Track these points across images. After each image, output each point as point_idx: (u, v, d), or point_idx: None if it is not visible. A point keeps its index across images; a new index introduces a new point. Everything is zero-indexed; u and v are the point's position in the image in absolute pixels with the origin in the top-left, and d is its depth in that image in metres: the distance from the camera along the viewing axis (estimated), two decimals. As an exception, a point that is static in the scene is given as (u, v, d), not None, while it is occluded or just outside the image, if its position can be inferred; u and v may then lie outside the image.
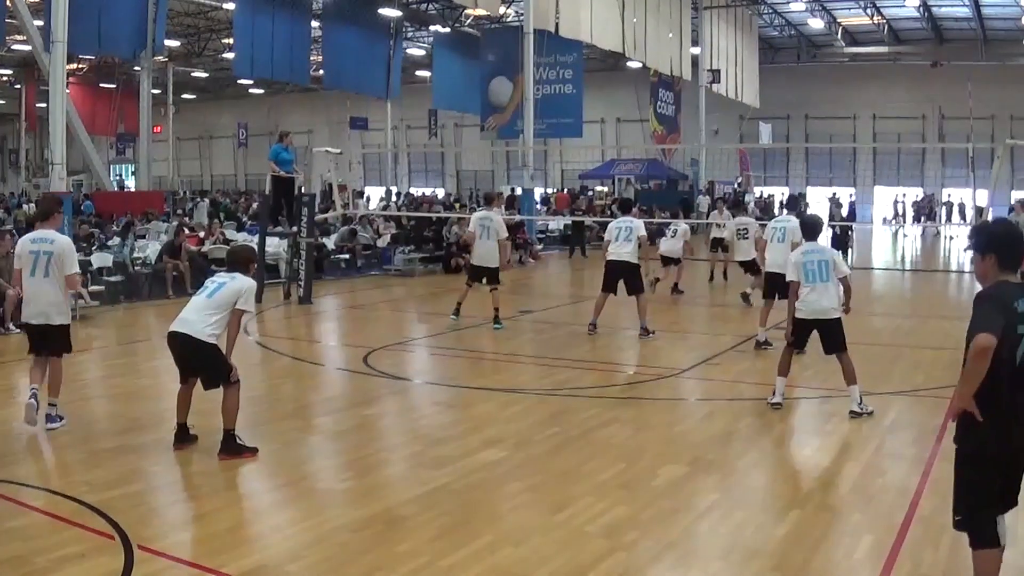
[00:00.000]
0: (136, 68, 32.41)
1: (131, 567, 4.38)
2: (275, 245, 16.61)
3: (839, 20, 37.89)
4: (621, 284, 11.29)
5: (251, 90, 49.45)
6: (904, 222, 36.17)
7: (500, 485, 5.77)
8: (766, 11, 37.92)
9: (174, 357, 6.52)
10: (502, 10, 33.50)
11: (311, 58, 33.15)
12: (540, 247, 24.88)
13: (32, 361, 7.31)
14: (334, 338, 12.56)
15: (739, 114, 37.89)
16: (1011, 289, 3.64)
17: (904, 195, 38.45)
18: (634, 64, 33.99)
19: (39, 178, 36.39)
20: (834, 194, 37.71)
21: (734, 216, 15.78)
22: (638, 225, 11.25)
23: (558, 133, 32.67)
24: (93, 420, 7.52)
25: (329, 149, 18.70)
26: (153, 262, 15.82)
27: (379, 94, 36.93)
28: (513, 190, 32.54)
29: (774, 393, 7.70)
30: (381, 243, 20.88)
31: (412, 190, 42.74)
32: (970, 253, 3.93)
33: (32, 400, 6.94)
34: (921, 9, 34.12)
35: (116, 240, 16.24)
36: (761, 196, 38.91)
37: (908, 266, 24.12)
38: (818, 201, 40.94)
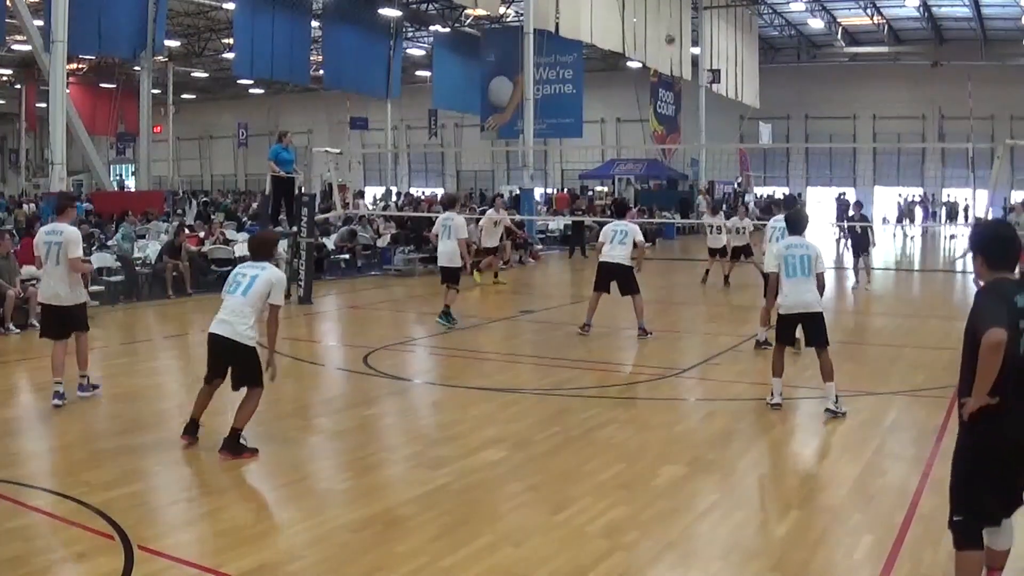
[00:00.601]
0: (136, 68, 32.42)
1: (131, 567, 4.38)
2: (275, 245, 16.60)
3: (839, 20, 37.89)
4: (616, 286, 11.32)
5: (251, 90, 49.45)
6: (911, 222, 36.02)
7: (500, 485, 5.77)
8: (766, 11, 37.92)
9: (209, 356, 6.47)
10: (502, 10, 33.51)
11: (311, 58, 33.17)
12: (540, 247, 24.88)
13: (54, 350, 7.77)
14: (334, 338, 12.56)
15: (739, 114, 37.88)
16: (1009, 285, 3.66)
17: (917, 196, 38.12)
18: (634, 64, 33.99)
19: (39, 178, 36.47)
20: (842, 194, 37.72)
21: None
22: (634, 229, 11.29)
23: (558, 133, 32.68)
24: (93, 420, 7.52)
25: (329, 149, 18.70)
26: (153, 262, 15.82)
27: (379, 94, 36.94)
28: (511, 192, 32.60)
29: (772, 394, 7.69)
30: (381, 243, 20.88)
31: (412, 190, 42.72)
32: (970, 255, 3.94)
33: (57, 400, 7.59)
34: (921, 9, 34.12)
35: (116, 240, 16.21)
36: (762, 197, 38.96)
37: (907, 266, 24.14)
38: (819, 201, 41.14)
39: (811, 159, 42.32)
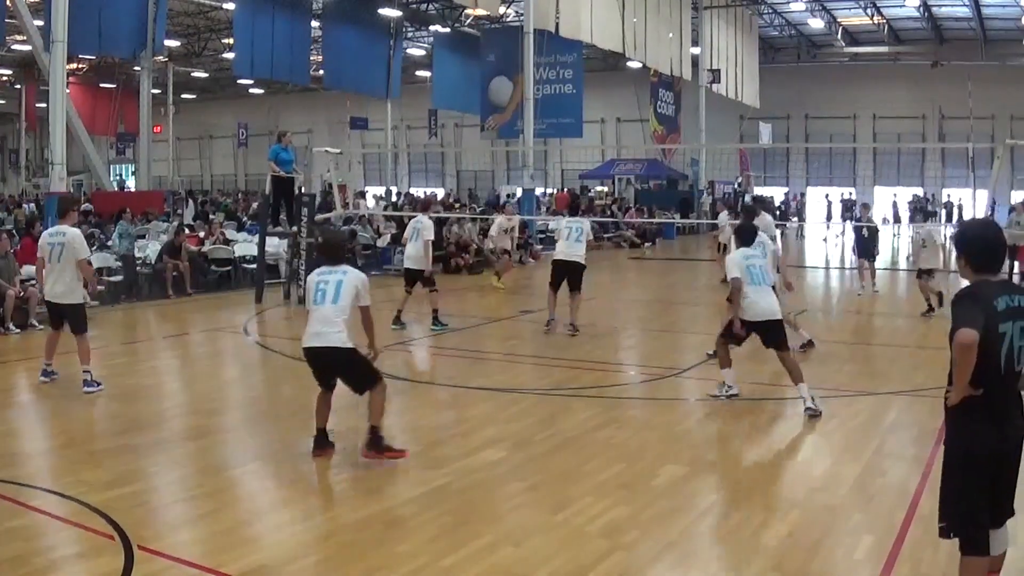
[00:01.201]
0: (136, 68, 32.42)
1: (131, 567, 4.38)
2: (275, 245, 16.61)
3: (839, 20, 37.88)
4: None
5: (251, 90, 49.44)
6: (926, 219, 35.90)
7: (500, 485, 5.77)
8: (766, 11, 37.91)
9: (314, 371, 6.31)
10: (502, 10, 33.50)
11: (311, 58, 33.16)
12: (540, 247, 24.88)
13: (48, 335, 8.61)
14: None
15: (739, 114, 37.88)
16: (991, 288, 3.59)
17: (931, 195, 37.80)
18: (634, 64, 33.99)
19: (39, 178, 36.48)
20: (849, 194, 37.75)
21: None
22: (587, 226, 11.76)
23: (558, 133, 32.67)
24: (93, 420, 7.52)
25: (329, 149, 18.69)
26: (153, 262, 15.82)
27: (379, 94, 36.93)
28: (509, 194, 32.58)
29: (725, 385, 7.96)
30: (381, 243, 20.88)
31: (412, 190, 42.72)
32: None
33: (43, 378, 8.39)
34: (921, 9, 34.11)
35: (115, 239, 16.20)
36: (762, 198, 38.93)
37: (908, 265, 24.13)
38: (818, 200, 41.13)
39: (811, 159, 42.30)
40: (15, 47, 32.34)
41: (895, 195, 38.19)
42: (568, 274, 11.40)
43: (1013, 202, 19.29)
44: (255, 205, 25.85)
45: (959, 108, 33.48)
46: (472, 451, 6.42)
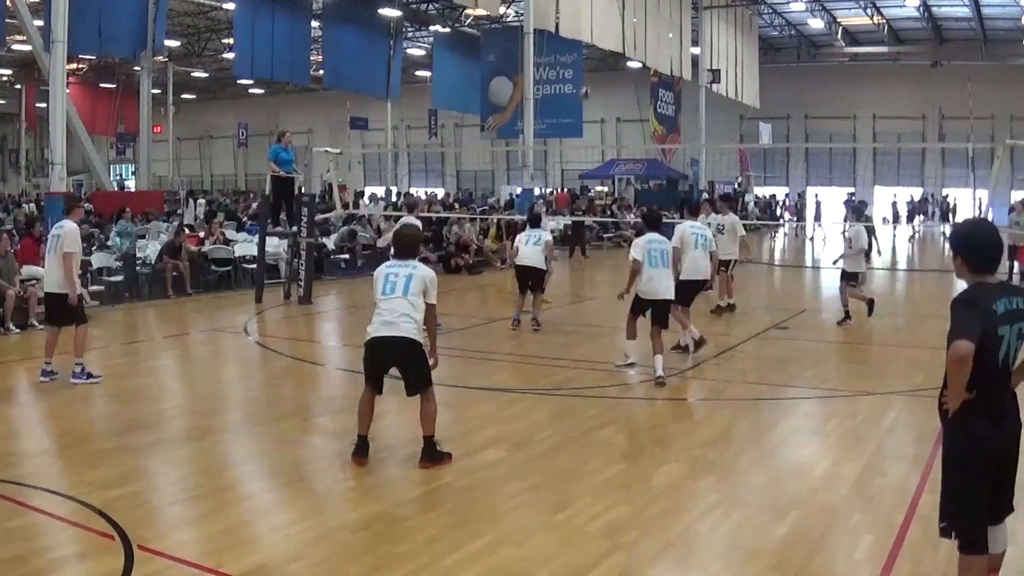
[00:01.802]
0: (136, 68, 32.42)
1: (131, 567, 4.38)
2: (275, 245, 16.61)
3: (839, 20, 37.88)
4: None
5: (251, 90, 49.46)
6: (926, 217, 35.85)
7: (500, 485, 5.77)
8: (766, 11, 37.91)
9: (372, 363, 6.19)
10: (502, 10, 33.50)
11: (311, 58, 33.16)
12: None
13: (47, 334, 8.73)
14: (334, 338, 12.56)
15: (739, 114, 37.88)
16: (988, 291, 3.57)
17: (957, 198, 37.44)
18: (634, 64, 33.99)
19: (39, 178, 36.50)
20: (850, 195, 37.68)
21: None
22: (547, 236, 12.24)
23: (558, 133, 32.67)
24: (93, 420, 7.53)
25: (329, 149, 18.69)
26: (153, 262, 15.82)
27: (379, 94, 36.93)
28: (511, 194, 32.51)
29: (626, 356, 9.19)
30: (381, 243, 20.85)
31: (412, 190, 42.74)
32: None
33: (43, 377, 8.48)
34: (921, 9, 34.12)
35: (115, 239, 16.21)
36: (764, 198, 38.96)
37: (906, 265, 24.15)
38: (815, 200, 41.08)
39: (811, 159, 42.32)
40: (15, 47, 32.32)
41: (895, 195, 38.19)
42: (530, 278, 11.99)
43: (1013, 202, 19.25)
44: (255, 205, 25.86)
45: (959, 108, 33.50)
46: (472, 451, 6.42)
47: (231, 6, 30.11)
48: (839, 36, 38.95)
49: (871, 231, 15.11)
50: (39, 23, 20.25)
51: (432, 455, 6.09)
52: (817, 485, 5.77)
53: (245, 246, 17.38)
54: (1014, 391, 3.67)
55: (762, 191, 41.15)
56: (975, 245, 3.68)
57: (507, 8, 34.99)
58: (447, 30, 36.75)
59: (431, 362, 6.27)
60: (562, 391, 8.43)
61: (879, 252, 15.73)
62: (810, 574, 4.45)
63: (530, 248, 11.96)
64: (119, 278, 15.02)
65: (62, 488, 5.51)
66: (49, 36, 15.46)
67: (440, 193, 40.78)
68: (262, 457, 6.50)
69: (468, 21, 36.23)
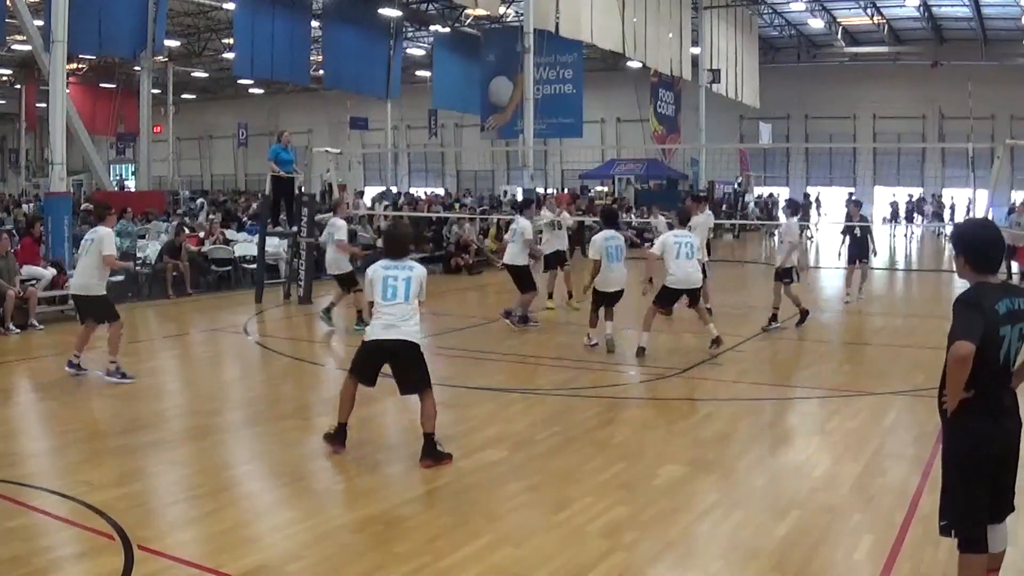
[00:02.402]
0: (136, 68, 32.43)
1: (131, 567, 4.38)
2: (275, 245, 16.61)
3: (839, 20, 37.89)
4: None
5: (251, 90, 49.46)
6: (923, 216, 35.83)
7: (500, 485, 5.77)
8: (766, 11, 37.92)
9: (370, 362, 6.30)
10: (502, 10, 33.50)
11: (311, 58, 33.15)
12: (540, 247, 24.84)
13: (80, 329, 9.03)
14: (334, 338, 12.56)
15: (739, 114, 37.88)
16: (991, 291, 3.58)
17: (955, 197, 37.28)
18: (634, 64, 33.99)
19: (39, 178, 36.47)
20: (851, 194, 37.64)
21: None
22: (523, 225, 11.93)
23: (558, 133, 32.68)
24: (93, 420, 7.52)
25: (329, 149, 18.69)
26: (153, 262, 15.82)
27: (379, 94, 36.92)
28: (509, 194, 32.46)
29: (589, 337, 10.21)
30: (381, 243, 20.85)
31: (412, 190, 42.74)
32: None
33: (69, 368, 8.77)
34: (921, 9, 34.12)
35: (115, 239, 16.18)
36: (761, 197, 38.94)
37: (906, 265, 24.15)
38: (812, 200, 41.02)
39: (811, 159, 42.32)
40: (15, 47, 32.34)
41: (893, 195, 38.19)
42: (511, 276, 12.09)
43: (1016, 203, 19.27)
44: (255, 205, 25.85)
45: (959, 108, 33.50)
46: (472, 451, 6.42)
47: (231, 6, 30.10)
48: (839, 36, 38.95)
49: (867, 230, 14.69)
50: (39, 23, 20.23)
51: (432, 453, 6.12)
52: (817, 485, 5.77)
53: (245, 246, 17.38)
54: (1015, 391, 3.68)
55: (762, 190, 41.13)
56: (978, 245, 3.69)
57: (507, 8, 34.99)
58: (447, 30, 36.75)
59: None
60: (562, 391, 8.43)
61: (875, 252, 15.41)
62: (810, 574, 4.45)
63: (509, 245, 12.04)
64: (119, 278, 14.99)
65: (62, 488, 5.51)
66: (49, 36, 15.44)
67: (440, 193, 40.80)
68: (262, 457, 6.50)
69: (468, 21, 36.23)
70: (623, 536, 4.86)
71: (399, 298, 6.15)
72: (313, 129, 48.84)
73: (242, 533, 4.94)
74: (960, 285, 3.76)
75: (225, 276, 16.92)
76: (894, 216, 36.57)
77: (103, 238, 8.74)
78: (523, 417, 7.48)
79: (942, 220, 34.23)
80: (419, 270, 6.32)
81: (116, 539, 4.70)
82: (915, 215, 36.27)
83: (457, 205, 28.92)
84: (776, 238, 12.04)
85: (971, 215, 21.81)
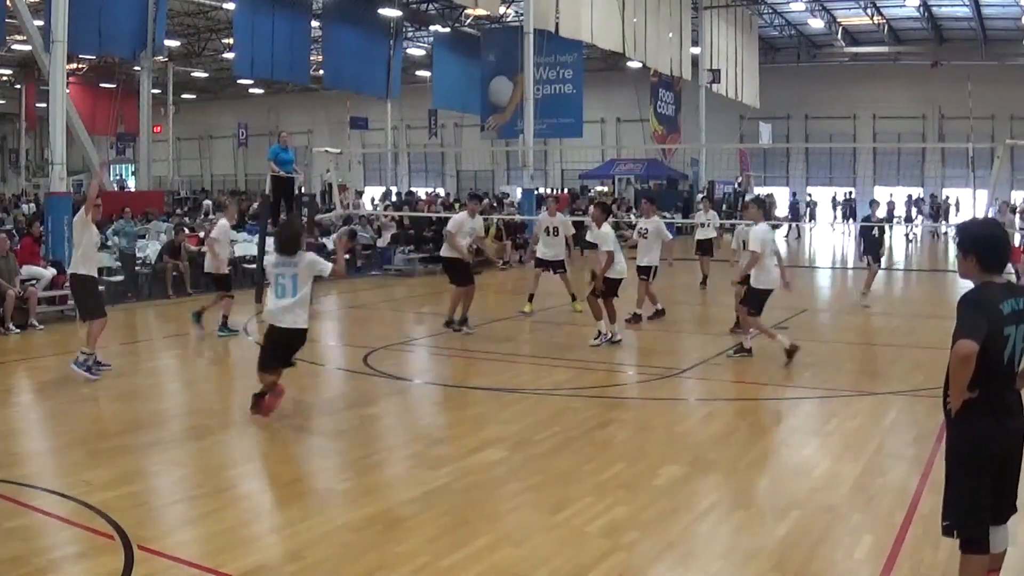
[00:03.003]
0: (136, 68, 32.41)
1: (131, 567, 4.38)
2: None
3: (839, 20, 37.89)
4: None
5: (251, 90, 49.44)
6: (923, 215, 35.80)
7: (500, 485, 5.77)
8: (766, 11, 37.92)
9: (266, 344, 7.24)
10: (502, 10, 33.50)
11: (311, 58, 33.16)
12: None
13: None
14: (334, 338, 12.55)
15: (739, 114, 37.87)
16: (996, 291, 3.59)
17: (958, 197, 37.02)
18: (634, 64, 33.99)
19: (39, 178, 36.46)
20: (847, 194, 37.71)
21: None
22: (451, 221, 12.11)
23: (558, 133, 32.66)
24: (93, 420, 7.52)
25: (329, 149, 18.68)
26: (153, 262, 15.81)
27: (379, 94, 36.93)
28: (505, 194, 32.40)
29: (600, 333, 10.49)
30: (381, 243, 20.87)
31: (412, 190, 42.74)
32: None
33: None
34: (921, 9, 34.12)
35: (113, 239, 16.18)
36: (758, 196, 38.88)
37: (906, 265, 24.15)
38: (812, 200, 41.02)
39: (811, 159, 42.32)
40: (15, 47, 32.34)
41: (891, 194, 38.12)
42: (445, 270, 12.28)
43: (1015, 202, 19.25)
44: (255, 205, 25.84)
45: (959, 108, 33.50)
46: (472, 451, 6.42)
47: (231, 6, 30.10)
48: (839, 36, 38.95)
49: (883, 231, 14.72)
50: (39, 23, 20.23)
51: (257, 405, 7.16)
52: (817, 485, 5.77)
53: (245, 246, 17.37)
54: (1019, 391, 3.68)
55: (762, 190, 41.09)
56: (989, 244, 3.68)
57: (507, 8, 34.99)
58: (447, 30, 36.75)
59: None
60: (562, 391, 8.43)
61: (883, 252, 15.27)
62: (810, 574, 4.45)
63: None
64: (119, 278, 15.02)
65: (62, 488, 5.51)
66: (49, 36, 15.44)
67: (440, 193, 40.79)
68: (262, 457, 6.50)
69: (468, 21, 36.23)
70: (623, 536, 4.86)
71: (287, 297, 7.00)
72: (313, 129, 48.83)
73: (242, 533, 4.94)
74: (963, 285, 3.75)
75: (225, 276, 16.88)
76: (890, 216, 36.53)
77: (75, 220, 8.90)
78: (523, 417, 7.48)
79: (936, 220, 34.22)
80: (303, 263, 7.03)
81: (116, 539, 4.70)
82: (913, 215, 36.21)
83: (457, 205, 28.88)
84: (741, 243, 11.70)
85: (972, 215, 21.78)
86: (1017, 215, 27.03)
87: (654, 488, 5.67)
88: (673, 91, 36.47)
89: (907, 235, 32.48)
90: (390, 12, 32.48)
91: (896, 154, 39.38)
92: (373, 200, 36.48)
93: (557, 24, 26.14)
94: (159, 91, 35.93)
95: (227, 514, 5.24)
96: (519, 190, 30.69)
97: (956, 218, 34.71)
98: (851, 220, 35.19)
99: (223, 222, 12.29)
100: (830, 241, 33.59)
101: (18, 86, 43.34)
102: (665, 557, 4.68)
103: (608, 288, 10.63)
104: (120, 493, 5.44)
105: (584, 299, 11.57)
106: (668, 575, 4.57)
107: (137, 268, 15.71)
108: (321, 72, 34.38)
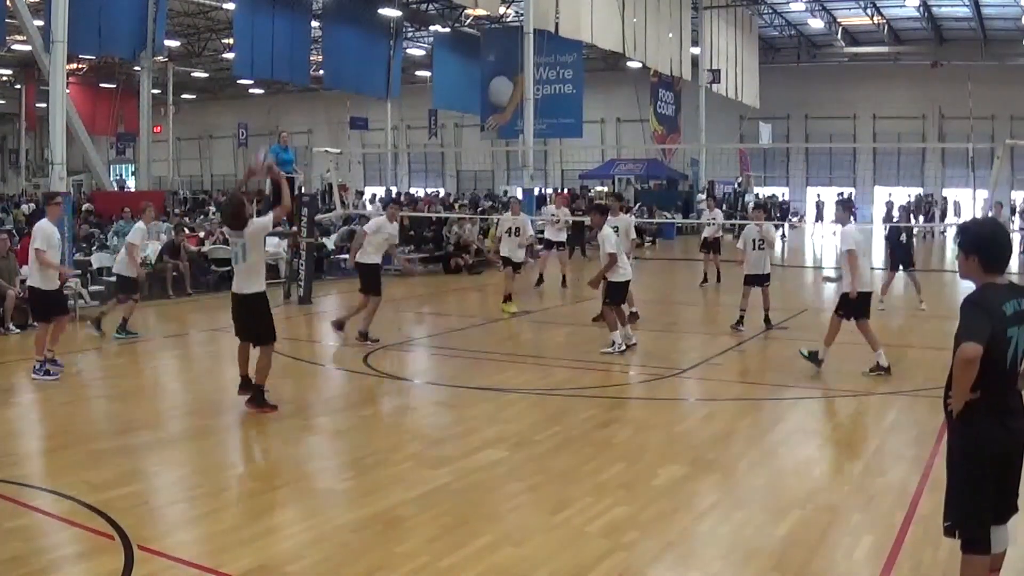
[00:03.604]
0: (136, 68, 32.40)
1: (131, 567, 4.38)
2: (275, 245, 16.60)
3: (839, 20, 37.88)
4: None
5: (251, 90, 49.43)
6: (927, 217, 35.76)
7: (500, 485, 5.77)
8: (766, 11, 37.91)
9: (232, 313, 7.76)
10: (502, 10, 33.49)
11: (311, 58, 33.16)
12: (540, 247, 24.85)
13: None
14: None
15: (739, 114, 37.88)
16: (998, 292, 3.59)
17: (959, 198, 36.50)
18: (634, 64, 33.99)
19: (39, 178, 36.49)
20: (840, 194, 37.60)
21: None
22: (371, 224, 12.14)
23: (558, 133, 32.68)
24: (93, 420, 7.52)
25: (329, 149, 18.69)
26: (153, 262, 15.81)
27: (379, 94, 36.92)
28: (505, 193, 32.37)
29: (614, 343, 10.02)
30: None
31: (412, 190, 42.74)
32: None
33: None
34: (921, 9, 34.12)
35: (111, 237, 16.19)
36: (759, 196, 38.94)
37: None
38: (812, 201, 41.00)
39: (811, 159, 42.31)
40: (15, 47, 32.28)
41: (890, 195, 38.13)
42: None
43: (1015, 202, 19.24)
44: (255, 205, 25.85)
45: (959, 108, 33.49)
46: (472, 451, 6.42)
47: (231, 6, 30.09)
48: (839, 36, 38.95)
49: (911, 235, 13.95)
50: (39, 23, 20.23)
51: (260, 401, 7.38)
52: (817, 485, 5.78)
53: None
54: (1020, 392, 3.67)
55: (762, 190, 41.11)
56: (995, 243, 3.67)
57: (507, 8, 34.99)
58: (447, 30, 36.74)
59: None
60: (562, 391, 8.43)
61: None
62: (810, 574, 4.45)
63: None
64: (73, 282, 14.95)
65: (62, 488, 5.51)
66: (49, 36, 15.44)
67: (441, 193, 40.77)
68: (262, 457, 6.50)
69: (468, 21, 36.23)
70: (623, 536, 4.86)
71: (239, 262, 7.53)
72: (313, 129, 48.83)
73: (242, 533, 4.94)
74: (964, 286, 3.75)
75: (225, 276, 16.89)
76: (888, 217, 36.52)
77: (34, 232, 8.96)
78: (523, 417, 7.48)
79: (933, 220, 34.20)
80: (249, 231, 7.44)
81: (116, 539, 4.70)
82: (912, 215, 36.15)
83: (457, 205, 28.92)
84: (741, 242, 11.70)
85: (973, 215, 21.77)
86: (1017, 215, 27.02)
87: (654, 488, 5.67)
88: (673, 91, 36.48)
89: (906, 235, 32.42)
90: (390, 12, 32.47)
91: (896, 154, 39.38)
92: (375, 197, 36.46)
93: (557, 24, 26.14)
94: (159, 91, 35.90)
95: (227, 514, 5.24)
96: (519, 190, 30.66)
97: (956, 219, 34.68)
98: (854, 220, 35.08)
99: (143, 225, 12.07)
100: (830, 242, 33.56)
101: (18, 86, 43.34)
102: (665, 557, 4.68)
103: (615, 292, 10.27)
104: (120, 493, 5.44)
105: (582, 298, 11.58)
106: (668, 575, 4.57)
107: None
108: (321, 72, 34.37)
